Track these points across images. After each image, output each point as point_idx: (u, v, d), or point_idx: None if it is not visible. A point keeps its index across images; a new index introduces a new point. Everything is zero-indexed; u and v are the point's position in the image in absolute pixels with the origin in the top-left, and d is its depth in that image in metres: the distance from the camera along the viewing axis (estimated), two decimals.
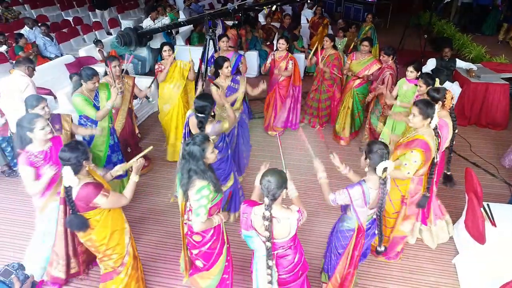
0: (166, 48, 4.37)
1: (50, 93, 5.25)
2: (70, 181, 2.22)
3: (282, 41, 4.91)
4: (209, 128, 3.01)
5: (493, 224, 3.11)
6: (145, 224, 3.81)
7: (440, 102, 3.12)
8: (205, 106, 2.97)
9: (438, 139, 2.81)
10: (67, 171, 2.21)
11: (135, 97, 5.27)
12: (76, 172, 2.25)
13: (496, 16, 11.26)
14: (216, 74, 4.01)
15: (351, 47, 6.10)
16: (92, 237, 2.45)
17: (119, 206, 2.52)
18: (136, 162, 2.57)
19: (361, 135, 5.33)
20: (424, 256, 3.48)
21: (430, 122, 2.76)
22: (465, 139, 5.54)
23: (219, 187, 2.35)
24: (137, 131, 5.29)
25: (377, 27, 12.77)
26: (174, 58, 4.44)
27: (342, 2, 13.51)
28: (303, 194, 4.11)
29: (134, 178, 2.54)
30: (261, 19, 9.80)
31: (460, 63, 6.13)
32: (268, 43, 8.31)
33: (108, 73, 3.91)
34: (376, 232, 2.55)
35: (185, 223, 2.55)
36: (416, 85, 3.89)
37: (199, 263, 2.61)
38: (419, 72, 3.96)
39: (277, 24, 9.01)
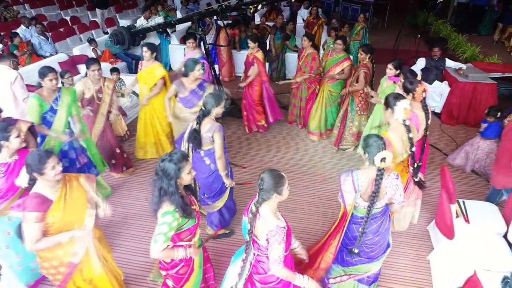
0: (145, 49, 4.41)
1: None
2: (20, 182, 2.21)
3: (249, 40, 5.07)
4: (204, 124, 3.01)
5: (466, 220, 3.18)
6: (121, 228, 3.77)
7: (411, 94, 3.20)
8: (210, 100, 2.98)
9: (408, 134, 2.87)
10: (22, 171, 2.22)
11: (123, 95, 5.37)
12: None
13: (492, 16, 11.26)
14: (185, 74, 3.94)
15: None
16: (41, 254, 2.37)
17: (26, 242, 2.21)
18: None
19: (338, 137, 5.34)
20: (400, 252, 3.53)
21: (392, 114, 2.88)
22: (452, 138, 5.57)
23: (190, 213, 2.14)
24: (125, 129, 5.41)
25: (375, 27, 12.87)
26: (156, 60, 4.51)
27: (340, 2, 13.54)
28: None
29: (64, 237, 2.27)
30: (258, 19, 9.86)
31: (449, 63, 6.16)
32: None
33: (87, 75, 3.87)
34: (361, 229, 2.45)
35: None
36: (394, 82, 3.98)
37: (169, 282, 2.44)
38: (398, 70, 4.03)
39: (271, 24, 9.06)
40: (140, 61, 4.63)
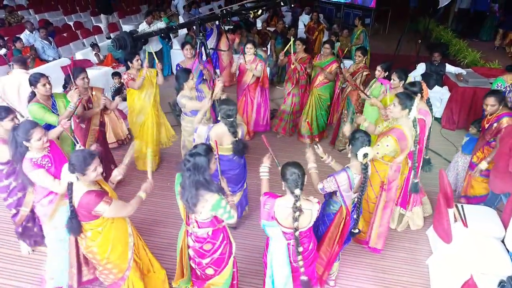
0: (137, 57, 4.31)
1: None
2: (69, 177, 2.25)
3: (249, 45, 5.02)
4: (240, 132, 3.12)
5: (465, 224, 3.17)
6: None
7: (419, 95, 3.33)
8: (233, 109, 3.04)
9: (416, 131, 3.04)
10: (65, 168, 2.28)
11: (125, 99, 5.36)
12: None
13: (493, 22, 11.29)
14: (179, 88, 3.89)
15: (345, 51, 6.23)
16: (93, 249, 2.43)
17: (123, 215, 2.47)
18: (148, 183, 2.60)
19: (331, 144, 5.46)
20: (398, 256, 3.53)
21: (408, 113, 2.99)
22: (452, 143, 5.57)
23: (224, 192, 2.40)
24: (126, 132, 5.44)
25: (376, 33, 12.91)
26: (141, 66, 4.36)
27: (342, 8, 13.61)
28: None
29: (142, 194, 2.53)
30: (260, 24, 9.94)
31: (449, 68, 6.19)
32: (264, 48, 8.44)
33: (75, 85, 3.54)
34: (355, 216, 2.69)
35: (190, 235, 2.48)
36: (382, 84, 4.14)
37: (210, 270, 2.54)
38: (387, 72, 4.16)
39: (273, 29, 9.13)
40: (125, 72, 4.44)
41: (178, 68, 4.84)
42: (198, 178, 2.17)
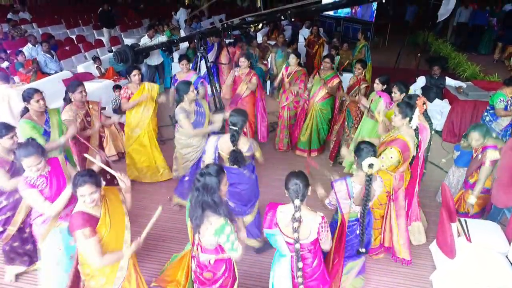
0: (135, 72, 4.30)
1: None
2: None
3: (243, 59, 5.07)
4: (243, 144, 3.08)
5: (468, 239, 3.12)
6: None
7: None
8: (240, 119, 3.03)
9: (417, 140, 3.08)
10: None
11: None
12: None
13: (491, 35, 11.39)
14: (179, 100, 3.85)
15: (345, 64, 6.29)
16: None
17: (92, 261, 2.22)
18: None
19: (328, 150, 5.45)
20: (401, 271, 3.46)
21: (410, 122, 3.07)
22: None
23: (233, 219, 2.24)
24: None
25: (376, 46, 13.02)
26: (142, 81, 4.40)
27: (342, 21, 13.77)
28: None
29: (126, 252, 2.34)
30: (260, 38, 10.04)
31: (449, 81, 6.21)
32: (265, 62, 8.50)
33: (73, 99, 3.60)
34: (358, 231, 2.64)
35: (193, 258, 2.40)
36: (380, 96, 4.16)
37: None
38: (385, 85, 4.19)
39: (273, 43, 9.21)
40: (125, 86, 4.45)
41: (174, 78, 4.88)
42: (206, 198, 2.09)
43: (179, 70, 5.16)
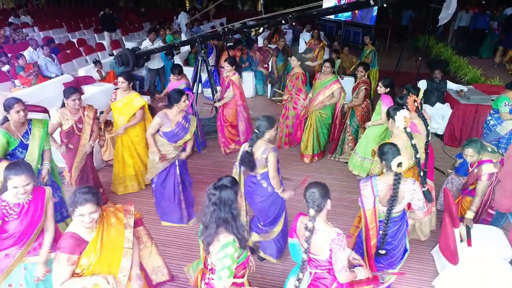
0: (121, 79, 4.17)
1: (44, 110, 5.40)
2: None
3: (226, 63, 5.13)
4: (258, 147, 2.99)
5: (469, 244, 3.09)
6: None
7: (405, 107, 3.41)
8: (262, 124, 2.95)
9: (411, 140, 3.05)
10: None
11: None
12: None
13: (492, 39, 11.40)
14: (169, 106, 3.65)
15: (352, 69, 6.30)
16: None
17: (54, 283, 2.02)
18: None
19: (330, 153, 5.49)
20: (404, 277, 3.41)
21: (394, 123, 3.14)
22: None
23: (245, 243, 2.03)
24: None
25: (377, 50, 13.04)
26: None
27: (342, 25, 13.80)
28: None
29: (87, 282, 2.06)
30: (261, 41, 10.05)
31: (450, 85, 6.19)
32: (266, 65, 8.51)
33: (66, 105, 3.56)
34: (381, 232, 2.60)
35: (203, 278, 2.19)
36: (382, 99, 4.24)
37: None
38: (388, 88, 4.23)
39: (274, 46, 9.22)
40: (114, 90, 4.39)
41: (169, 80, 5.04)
42: (223, 214, 1.93)
43: None
